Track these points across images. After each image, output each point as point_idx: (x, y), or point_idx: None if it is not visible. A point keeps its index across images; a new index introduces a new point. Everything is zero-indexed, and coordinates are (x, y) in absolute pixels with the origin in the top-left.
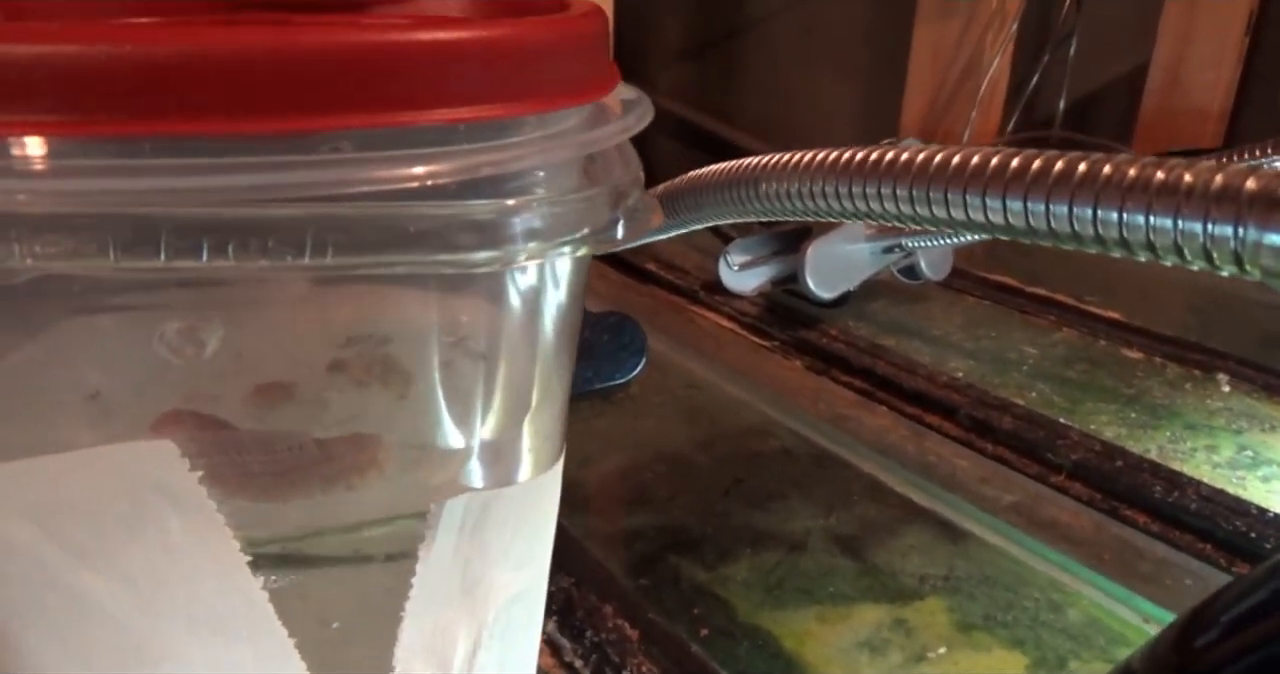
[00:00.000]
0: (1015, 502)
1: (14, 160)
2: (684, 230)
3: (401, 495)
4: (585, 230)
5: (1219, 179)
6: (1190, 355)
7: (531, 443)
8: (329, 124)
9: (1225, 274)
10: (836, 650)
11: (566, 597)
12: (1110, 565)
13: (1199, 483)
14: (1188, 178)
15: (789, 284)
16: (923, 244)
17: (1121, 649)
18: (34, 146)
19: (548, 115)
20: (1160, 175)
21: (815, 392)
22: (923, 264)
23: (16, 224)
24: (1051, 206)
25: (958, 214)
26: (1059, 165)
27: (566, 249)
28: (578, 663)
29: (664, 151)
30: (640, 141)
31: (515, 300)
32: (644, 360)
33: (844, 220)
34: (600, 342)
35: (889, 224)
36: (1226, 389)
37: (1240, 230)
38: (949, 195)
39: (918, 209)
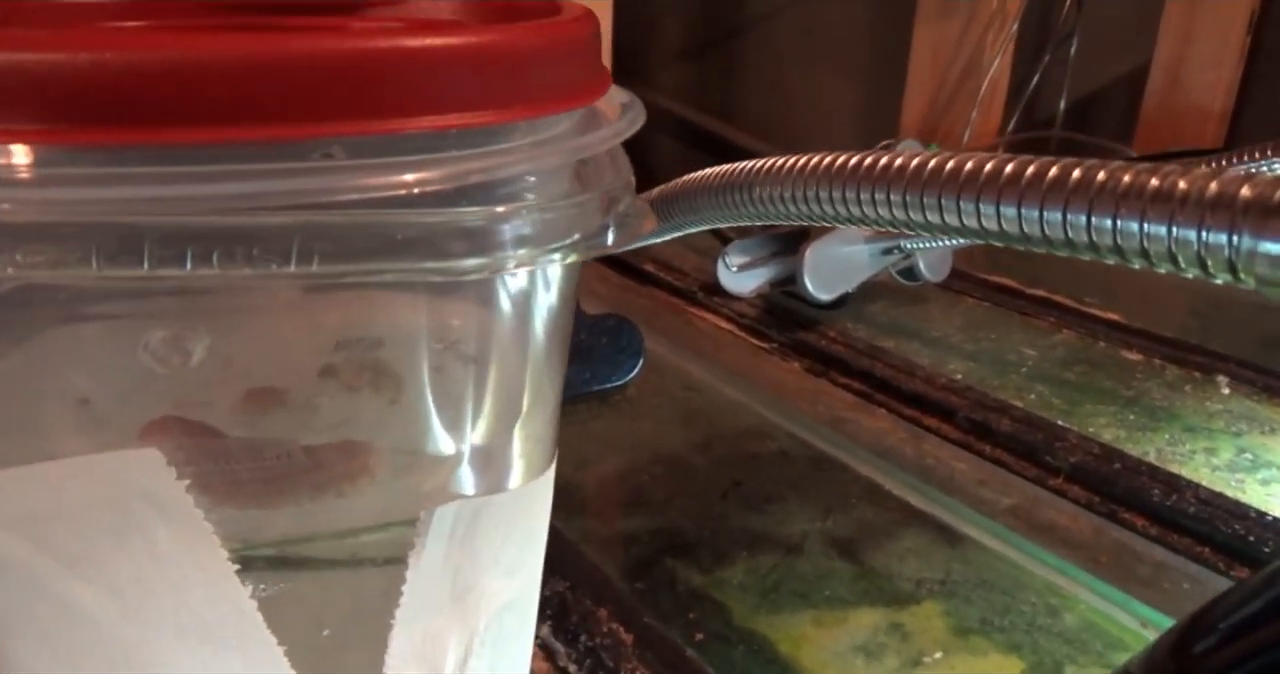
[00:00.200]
0: (1013, 504)
1: None
2: (680, 233)
3: (392, 502)
4: (576, 236)
5: (1214, 186)
6: (1190, 357)
7: (523, 448)
8: (317, 131)
9: (1219, 282)
10: (832, 655)
11: (561, 600)
12: (1108, 569)
13: (1198, 486)
14: (1182, 185)
15: (787, 286)
16: (921, 246)
17: (1119, 654)
18: (18, 155)
19: (538, 121)
20: (1155, 182)
21: (813, 393)
22: (922, 266)
23: (0, 233)
24: (1045, 213)
25: (951, 220)
26: (1053, 172)
27: (557, 256)
28: (572, 668)
29: (664, 151)
30: (640, 141)
31: (506, 304)
32: (641, 362)
33: (840, 225)
34: (598, 344)
35: (884, 229)
36: (1226, 391)
37: (1235, 238)
38: (943, 201)
39: (912, 215)
